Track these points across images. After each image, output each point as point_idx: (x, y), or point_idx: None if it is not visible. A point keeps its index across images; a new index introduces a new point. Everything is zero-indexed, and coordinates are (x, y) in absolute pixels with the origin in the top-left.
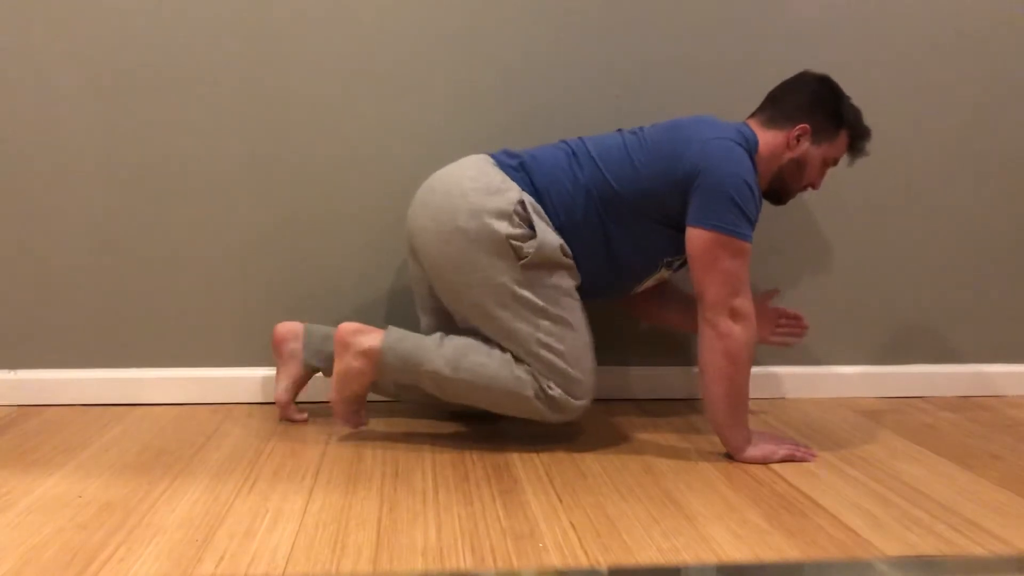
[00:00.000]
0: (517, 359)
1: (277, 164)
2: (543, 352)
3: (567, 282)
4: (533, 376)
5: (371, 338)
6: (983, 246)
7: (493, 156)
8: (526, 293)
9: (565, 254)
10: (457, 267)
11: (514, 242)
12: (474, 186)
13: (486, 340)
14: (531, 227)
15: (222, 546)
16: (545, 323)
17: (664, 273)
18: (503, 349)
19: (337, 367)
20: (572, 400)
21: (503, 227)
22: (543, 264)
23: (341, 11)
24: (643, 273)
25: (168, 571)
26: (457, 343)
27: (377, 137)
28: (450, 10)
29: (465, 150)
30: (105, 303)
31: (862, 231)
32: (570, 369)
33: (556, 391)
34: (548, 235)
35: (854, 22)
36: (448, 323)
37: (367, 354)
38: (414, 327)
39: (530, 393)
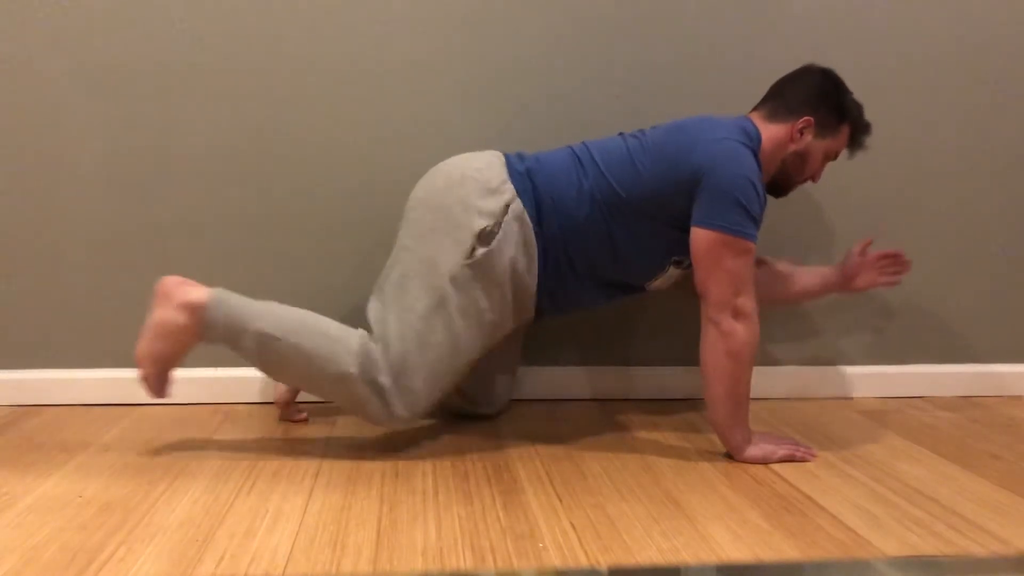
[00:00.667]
0: (367, 335)
1: (278, 164)
2: (408, 340)
3: (491, 312)
4: (365, 355)
5: (197, 291)
6: (984, 246)
7: (506, 156)
8: (449, 288)
9: (517, 281)
10: (422, 235)
11: (476, 242)
12: (475, 176)
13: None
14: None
15: (222, 546)
16: (435, 322)
17: (673, 272)
18: (375, 324)
19: (156, 317)
20: (397, 402)
21: (480, 223)
22: (484, 277)
23: (342, 10)
24: (651, 274)
25: (168, 571)
26: (293, 308)
27: (377, 137)
28: (451, 9)
29: (465, 149)
30: (105, 303)
31: (862, 231)
32: (415, 373)
33: (386, 380)
34: (507, 250)
35: (854, 21)
36: None
37: (190, 307)
38: None
39: (354, 371)
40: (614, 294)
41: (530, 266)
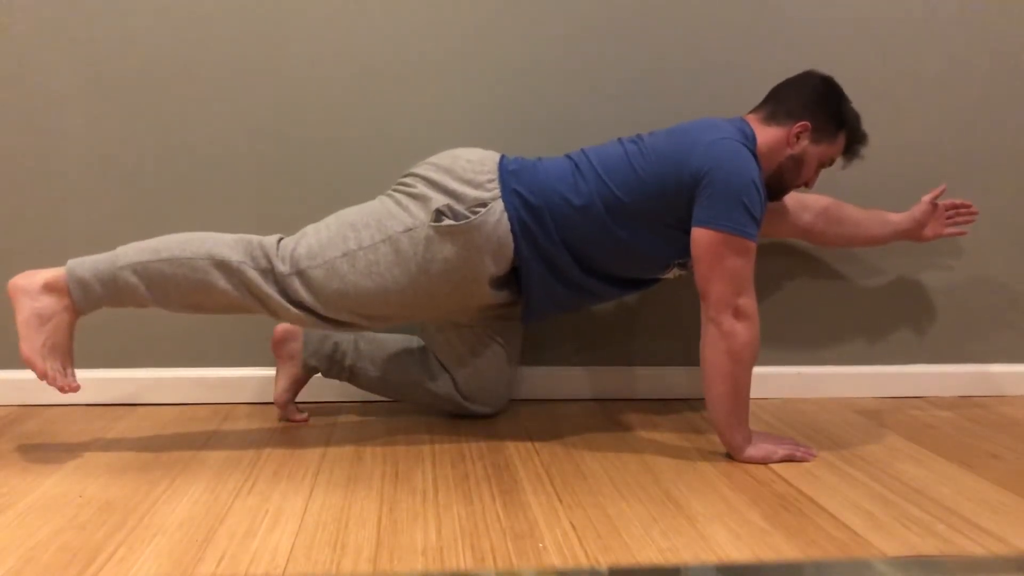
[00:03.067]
0: (265, 239)
1: (277, 164)
2: (328, 245)
3: (427, 283)
4: (263, 248)
5: (50, 271)
6: (983, 246)
7: (502, 158)
8: (401, 238)
9: (469, 271)
10: (393, 196)
11: (442, 214)
12: (466, 167)
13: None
14: (468, 216)
15: (222, 546)
16: (358, 257)
17: (676, 272)
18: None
19: (21, 314)
20: (298, 287)
21: (453, 202)
22: (439, 245)
23: (344, 12)
24: (654, 275)
25: (168, 571)
26: (155, 238)
27: (377, 138)
28: (451, 13)
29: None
30: None
31: None
32: (315, 267)
33: (285, 268)
34: (467, 241)
35: (854, 25)
36: (451, 332)
37: (51, 284)
38: (412, 329)
39: (236, 257)
40: (616, 296)
41: (496, 266)
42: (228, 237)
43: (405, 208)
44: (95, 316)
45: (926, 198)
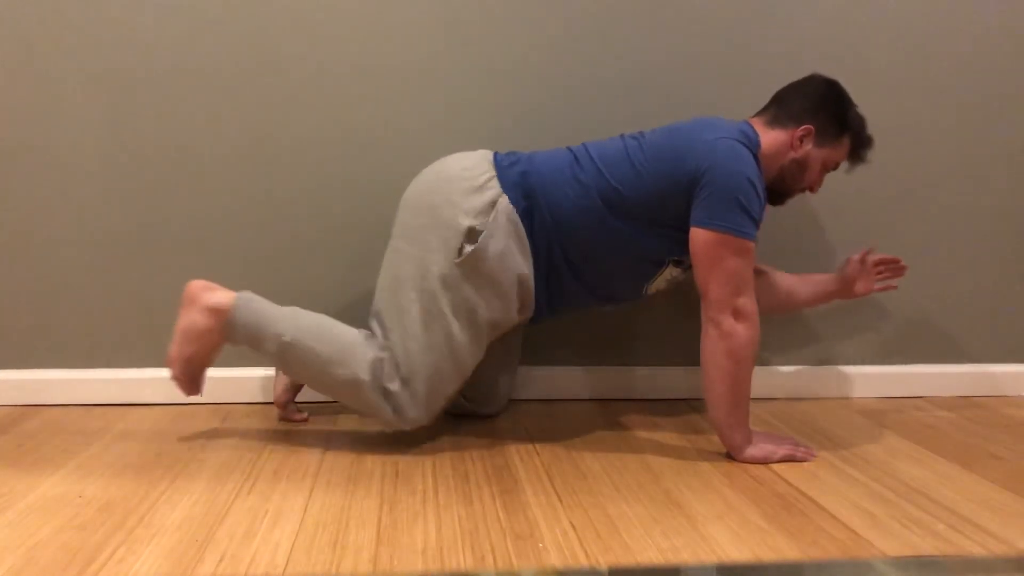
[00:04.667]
0: (377, 344)
1: (277, 164)
2: (412, 348)
3: (488, 310)
4: (378, 364)
5: (221, 295)
6: (983, 246)
7: (496, 155)
8: (441, 291)
9: (520, 279)
10: (410, 238)
11: (464, 240)
12: (461, 176)
13: (369, 326)
14: (479, 234)
15: (222, 546)
16: (434, 327)
17: (674, 271)
18: (377, 329)
19: (181, 322)
20: (407, 406)
21: (467, 221)
22: (476, 273)
23: (341, 12)
24: (650, 272)
25: (168, 571)
26: (313, 314)
27: (376, 137)
28: (449, 11)
29: (463, 149)
30: (105, 303)
31: (863, 231)
32: (421, 378)
33: (395, 387)
34: (496, 245)
35: (855, 24)
36: None
37: (214, 311)
38: None
39: (367, 378)
40: (612, 295)
41: (525, 261)
42: (367, 352)
43: (433, 267)
44: (95, 316)
45: (855, 256)
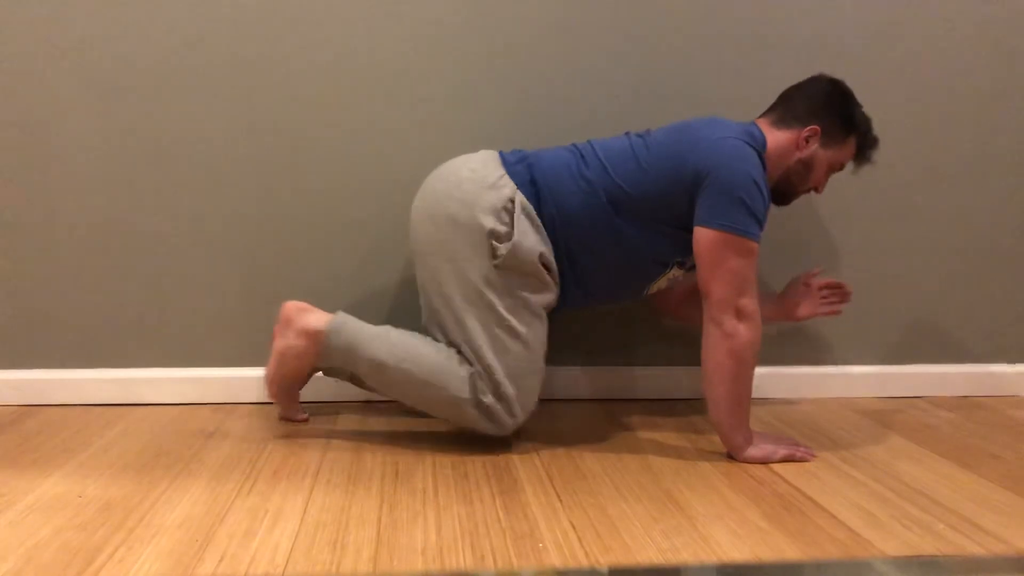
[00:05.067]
0: (463, 359)
1: (277, 163)
2: (489, 356)
3: (537, 298)
4: (473, 380)
5: (316, 318)
6: (984, 246)
7: (501, 154)
8: (490, 295)
9: (546, 265)
10: (439, 251)
11: (493, 241)
12: (472, 177)
13: (435, 339)
14: (512, 228)
15: (222, 546)
16: (498, 331)
17: (676, 272)
18: (451, 346)
19: (277, 344)
20: (503, 414)
21: (488, 221)
22: (516, 270)
23: (342, 10)
24: (654, 273)
25: (168, 571)
26: (404, 334)
27: (378, 136)
28: (453, 10)
29: (467, 149)
30: (105, 303)
31: (863, 232)
32: (508, 381)
33: (489, 399)
34: (528, 240)
35: (858, 26)
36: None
37: (310, 334)
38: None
39: (465, 395)
40: (613, 296)
41: (548, 248)
42: (460, 368)
43: (472, 274)
44: (95, 316)
45: (800, 278)
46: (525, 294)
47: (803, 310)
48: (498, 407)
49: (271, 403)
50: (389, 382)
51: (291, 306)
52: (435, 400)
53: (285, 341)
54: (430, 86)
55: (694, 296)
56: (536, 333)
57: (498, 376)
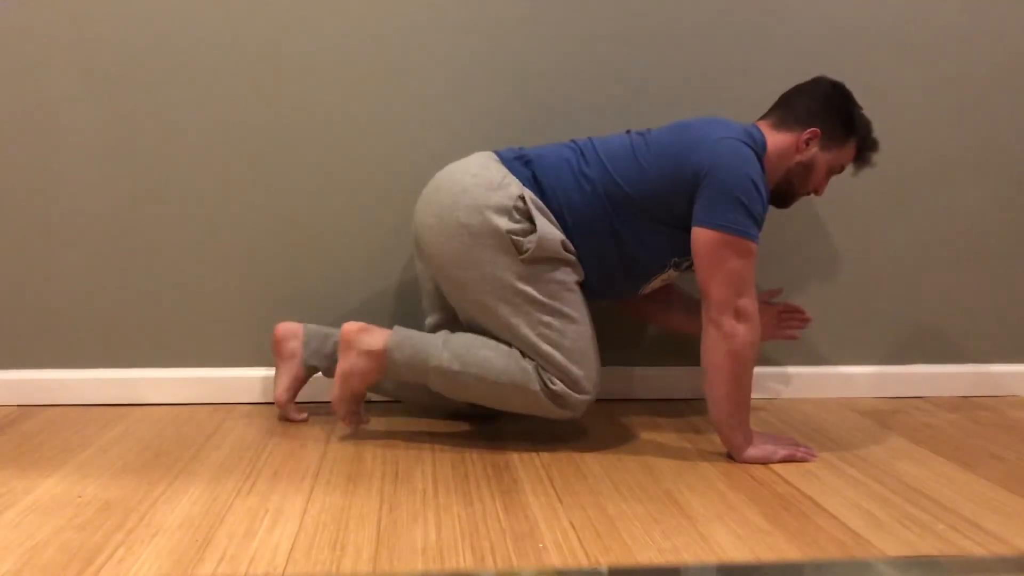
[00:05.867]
0: (522, 354)
1: (277, 163)
2: (544, 346)
3: (569, 277)
4: (537, 370)
5: (376, 338)
6: (984, 246)
7: (498, 153)
8: (527, 288)
9: (567, 249)
10: (460, 263)
11: (515, 237)
12: (475, 182)
13: (489, 336)
14: (531, 221)
15: (222, 546)
16: (546, 318)
17: (672, 273)
18: (507, 344)
19: (341, 366)
20: (574, 395)
21: (503, 222)
22: (544, 259)
23: (344, 10)
24: (651, 273)
25: (168, 571)
26: (462, 339)
27: (378, 136)
28: (454, 11)
29: (468, 150)
30: (105, 303)
31: (863, 232)
32: (570, 364)
33: (558, 386)
34: (549, 229)
35: (857, 26)
36: (454, 322)
37: (372, 354)
38: (417, 325)
39: (536, 387)
40: (609, 292)
41: (564, 236)
42: (526, 363)
43: (502, 274)
44: (94, 316)
45: (760, 296)
46: (558, 275)
47: (763, 332)
48: (567, 391)
49: (271, 403)
50: (459, 388)
51: (350, 328)
52: (508, 397)
53: (349, 363)
54: (431, 86)
55: (672, 301)
56: (579, 307)
57: (559, 361)
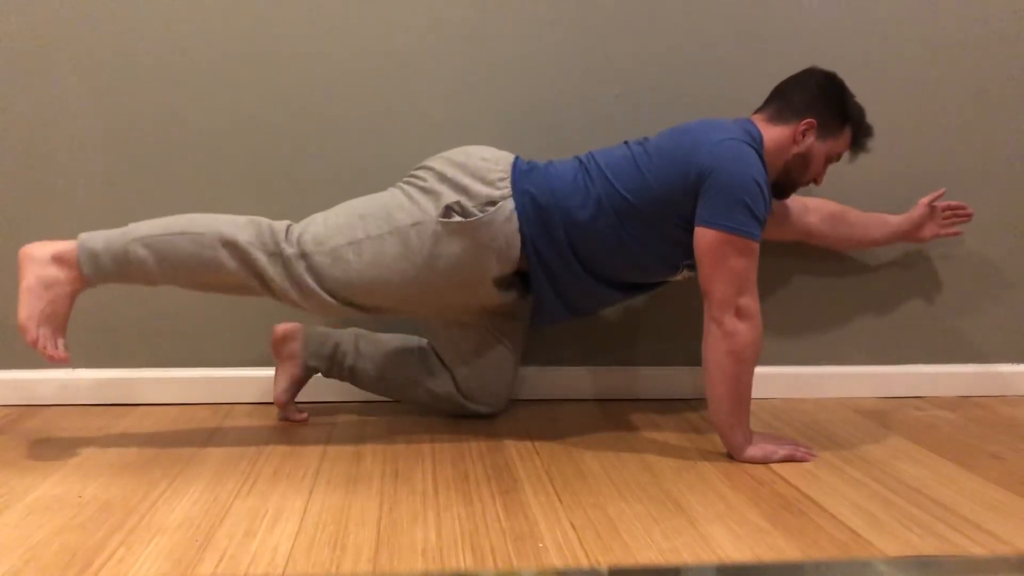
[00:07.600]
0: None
1: (277, 163)
2: (335, 232)
3: (442, 276)
4: (271, 231)
5: (61, 243)
6: (984, 246)
7: (517, 159)
8: (408, 230)
9: (475, 268)
10: (408, 188)
11: (454, 214)
12: (480, 165)
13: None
14: (478, 214)
15: (222, 546)
16: (386, 239)
17: (686, 274)
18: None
19: (26, 280)
20: (303, 272)
21: (458, 198)
22: (449, 242)
23: (346, 9)
24: (665, 276)
25: (168, 571)
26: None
27: (378, 135)
28: (452, 10)
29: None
30: (105, 303)
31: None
32: (329, 257)
33: (290, 250)
34: (482, 233)
35: (855, 21)
36: (456, 329)
37: (60, 257)
38: (418, 326)
39: (244, 237)
40: (633, 290)
41: (501, 266)
42: (240, 219)
43: (415, 202)
44: (95, 316)
45: (924, 200)
46: (440, 252)
47: (927, 231)
48: (299, 262)
49: (271, 403)
50: (170, 255)
51: (31, 245)
52: (215, 255)
53: (36, 271)
54: (432, 86)
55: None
56: (402, 274)
57: (329, 246)
